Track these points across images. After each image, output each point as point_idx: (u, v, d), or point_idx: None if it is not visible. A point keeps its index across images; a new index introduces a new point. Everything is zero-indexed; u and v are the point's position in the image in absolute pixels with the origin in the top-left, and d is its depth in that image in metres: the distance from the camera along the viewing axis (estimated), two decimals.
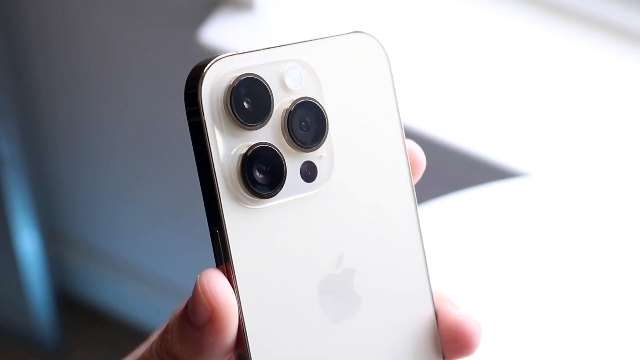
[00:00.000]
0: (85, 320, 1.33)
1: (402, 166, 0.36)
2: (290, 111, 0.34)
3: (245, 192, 0.33)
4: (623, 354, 0.53)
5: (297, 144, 0.34)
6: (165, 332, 0.33)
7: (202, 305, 0.32)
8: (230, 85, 0.33)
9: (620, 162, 0.76)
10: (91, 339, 1.31)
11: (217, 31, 0.86)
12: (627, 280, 0.56)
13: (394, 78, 0.36)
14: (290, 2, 0.88)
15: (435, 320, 0.36)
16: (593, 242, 0.58)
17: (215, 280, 0.32)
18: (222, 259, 0.33)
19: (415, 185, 0.37)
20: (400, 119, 0.36)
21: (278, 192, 0.33)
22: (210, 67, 0.33)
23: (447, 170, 0.77)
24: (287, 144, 0.34)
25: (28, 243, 1.19)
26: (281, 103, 0.34)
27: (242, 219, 0.33)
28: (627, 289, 0.56)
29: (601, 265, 0.57)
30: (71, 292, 1.35)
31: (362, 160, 0.35)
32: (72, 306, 1.34)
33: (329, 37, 0.35)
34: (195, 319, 0.32)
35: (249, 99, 0.33)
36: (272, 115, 0.34)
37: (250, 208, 0.33)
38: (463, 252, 0.58)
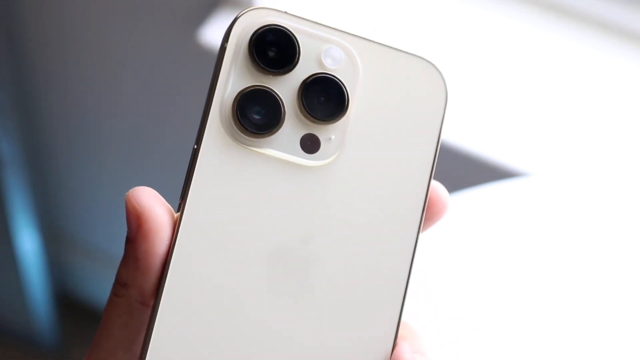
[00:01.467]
0: (85, 320, 1.33)
1: (418, 195, 0.35)
2: (311, 79, 0.34)
3: (234, 125, 0.33)
4: (623, 354, 0.53)
5: (307, 111, 0.34)
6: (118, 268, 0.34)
7: (130, 214, 0.33)
8: (260, 27, 0.33)
9: (620, 162, 0.76)
10: (91, 339, 1.31)
11: (217, 31, 0.86)
12: (627, 280, 0.56)
13: (445, 117, 0.35)
14: (290, 2, 0.88)
15: (389, 354, 0.34)
16: (593, 242, 0.58)
17: (138, 189, 0.33)
18: (187, 176, 0.33)
19: None
20: (435, 157, 0.35)
21: (266, 136, 0.33)
22: (255, 10, 0.34)
23: (447, 170, 0.77)
24: (297, 107, 0.34)
25: (28, 243, 1.19)
26: (309, 71, 0.34)
27: (222, 147, 0.33)
28: (627, 289, 0.56)
29: (601, 265, 0.57)
30: (71, 292, 1.35)
31: (375, 168, 0.34)
32: (72, 306, 1.34)
33: (390, 47, 0.35)
34: (130, 232, 0.33)
35: (274, 47, 0.34)
36: (293, 74, 0.34)
37: (236, 143, 0.33)
38: (463, 252, 0.58)
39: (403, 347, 0.34)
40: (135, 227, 0.33)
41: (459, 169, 0.78)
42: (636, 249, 0.58)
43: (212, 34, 0.86)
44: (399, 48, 0.35)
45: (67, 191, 1.25)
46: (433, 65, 0.35)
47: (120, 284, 0.34)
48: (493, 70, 0.83)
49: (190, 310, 0.32)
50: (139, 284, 0.33)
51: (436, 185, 0.35)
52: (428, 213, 0.35)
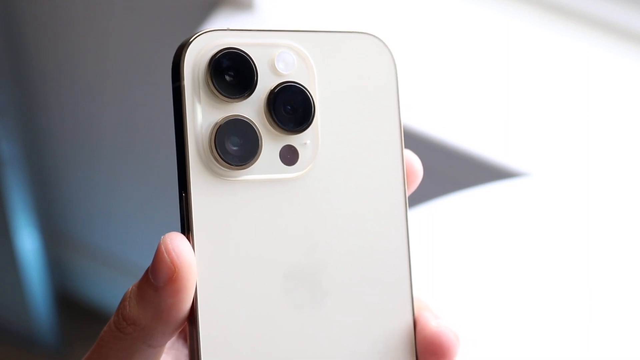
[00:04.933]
0: (85, 320, 1.33)
1: (395, 170, 0.36)
2: (274, 91, 0.34)
3: (216, 161, 0.33)
4: (623, 354, 0.53)
5: (279, 125, 0.34)
6: (123, 300, 0.33)
7: (164, 264, 0.32)
8: (213, 55, 0.33)
9: (620, 162, 0.76)
10: (91, 339, 1.31)
11: None
12: (626, 280, 0.56)
13: (399, 85, 0.36)
14: (290, 2, 0.88)
15: (412, 329, 0.35)
16: (592, 242, 0.58)
17: (178, 240, 0.32)
18: (185, 224, 0.33)
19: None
20: (400, 127, 0.36)
21: (249, 165, 0.33)
22: (198, 37, 0.33)
23: (447, 170, 0.77)
24: (268, 124, 0.34)
25: (28, 243, 1.19)
26: (268, 84, 0.34)
27: (210, 187, 0.33)
28: (627, 289, 0.56)
29: (600, 265, 0.57)
30: (71, 292, 1.35)
31: (351, 156, 0.35)
32: (72, 306, 1.34)
33: (332, 32, 0.35)
34: (156, 280, 0.32)
35: (231, 71, 0.33)
36: (256, 93, 0.34)
37: (221, 178, 0.33)
38: (463, 252, 0.58)
39: (426, 316, 0.35)
40: (165, 278, 0.32)
41: (459, 169, 0.78)
42: (636, 249, 0.58)
43: None
44: (340, 30, 0.35)
45: (67, 191, 1.25)
46: (374, 36, 0.36)
47: (128, 322, 0.33)
48: (493, 70, 0.83)
49: (230, 347, 0.33)
50: (153, 330, 0.32)
51: (407, 155, 0.36)
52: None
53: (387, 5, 0.87)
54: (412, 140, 0.74)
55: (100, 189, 1.22)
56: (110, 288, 1.31)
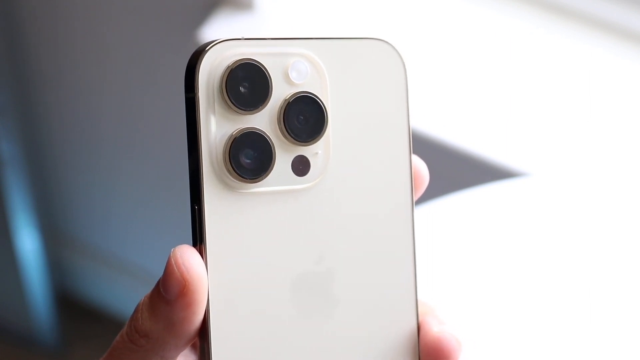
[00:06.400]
0: (85, 319, 1.33)
1: (403, 176, 0.36)
2: (288, 102, 0.34)
3: (229, 174, 0.33)
4: (623, 354, 0.53)
5: (291, 136, 0.34)
6: (135, 312, 0.33)
7: (174, 278, 0.32)
8: (228, 67, 0.33)
9: (619, 162, 0.76)
10: (91, 339, 1.31)
11: (217, 31, 0.86)
12: (626, 279, 0.56)
13: (409, 91, 0.36)
14: (290, 2, 0.88)
15: (416, 334, 0.36)
16: (592, 242, 0.58)
17: (188, 254, 0.32)
18: (198, 237, 0.33)
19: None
20: (409, 133, 0.36)
21: (263, 178, 0.33)
22: (213, 47, 0.33)
23: (447, 170, 0.77)
24: (281, 135, 0.34)
25: (28, 243, 1.19)
26: (281, 94, 0.34)
27: (223, 200, 0.33)
28: (626, 289, 0.56)
29: (600, 265, 0.57)
30: (71, 292, 1.35)
31: (361, 164, 0.35)
32: (72, 306, 1.34)
33: (345, 38, 0.35)
34: (167, 293, 0.32)
35: (246, 83, 0.33)
36: (269, 104, 0.33)
37: (233, 191, 0.33)
38: (463, 252, 0.58)
39: (429, 322, 0.35)
40: (176, 292, 0.32)
41: (459, 169, 0.78)
42: (636, 249, 0.58)
43: (212, 34, 0.86)
44: (352, 36, 0.35)
45: (67, 191, 1.25)
46: (385, 42, 0.36)
47: (141, 334, 0.33)
48: (493, 70, 0.83)
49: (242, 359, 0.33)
50: (166, 343, 0.33)
51: (414, 161, 0.36)
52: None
53: (385, 5, 0.87)
54: (413, 140, 0.74)
55: (100, 189, 1.22)
56: (110, 288, 1.31)
